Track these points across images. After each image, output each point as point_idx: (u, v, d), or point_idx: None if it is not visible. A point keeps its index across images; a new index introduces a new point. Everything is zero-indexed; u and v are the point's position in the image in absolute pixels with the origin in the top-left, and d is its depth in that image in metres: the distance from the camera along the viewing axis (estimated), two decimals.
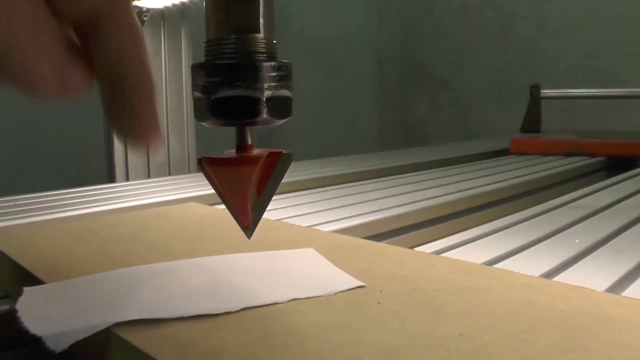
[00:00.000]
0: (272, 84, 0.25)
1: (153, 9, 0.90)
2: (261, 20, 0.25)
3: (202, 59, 0.26)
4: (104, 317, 0.23)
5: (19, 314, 0.24)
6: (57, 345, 0.21)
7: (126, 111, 0.23)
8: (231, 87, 0.24)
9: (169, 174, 0.95)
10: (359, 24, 2.19)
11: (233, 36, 0.25)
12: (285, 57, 0.25)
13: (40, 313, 0.24)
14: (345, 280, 0.28)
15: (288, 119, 0.26)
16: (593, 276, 0.34)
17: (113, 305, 0.25)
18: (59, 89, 0.20)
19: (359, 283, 0.28)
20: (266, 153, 0.26)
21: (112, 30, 0.21)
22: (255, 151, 0.26)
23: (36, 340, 0.24)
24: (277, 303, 0.25)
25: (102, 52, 0.22)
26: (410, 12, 2.27)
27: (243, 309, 0.24)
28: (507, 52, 2.00)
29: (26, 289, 0.27)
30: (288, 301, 0.25)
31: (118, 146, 0.91)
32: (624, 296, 0.26)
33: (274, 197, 0.28)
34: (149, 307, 0.24)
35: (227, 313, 0.24)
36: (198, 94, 0.25)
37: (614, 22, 1.76)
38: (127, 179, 0.92)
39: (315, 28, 2.02)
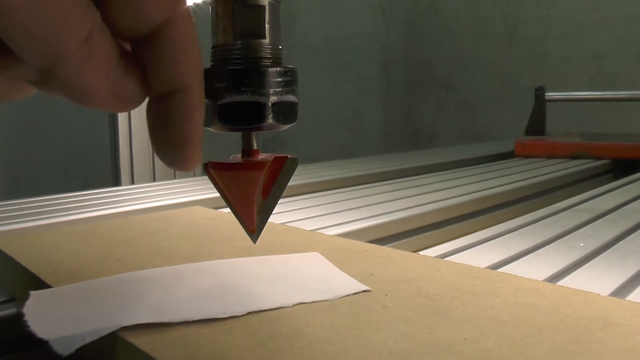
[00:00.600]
0: (278, 89, 0.25)
1: None
2: (267, 26, 0.26)
3: (207, 64, 0.26)
4: (110, 320, 0.23)
5: (26, 317, 0.24)
6: (64, 349, 0.21)
7: (171, 130, 0.22)
8: (237, 92, 0.24)
9: (175, 178, 0.96)
10: (364, 26, 2.19)
11: (239, 42, 0.25)
12: (290, 58, 0.25)
13: (47, 317, 0.25)
14: (350, 285, 0.28)
15: (294, 124, 0.26)
16: (598, 280, 0.34)
17: (120, 309, 0.25)
18: (112, 101, 0.20)
19: (364, 287, 0.28)
20: (272, 158, 0.26)
21: (169, 44, 0.21)
22: (261, 156, 0.27)
23: (42, 344, 0.24)
24: (283, 307, 0.25)
25: (158, 66, 0.22)
26: (416, 14, 2.27)
27: (249, 313, 0.25)
28: (512, 54, 2.00)
29: (32, 293, 0.27)
30: (294, 305, 0.26)
31: (124, 149, 0.92)
32: (629, 300, 0.26)
33: (279, 201, 0.28)
34: (155, 310, 0.24)
35: (233, 317, 0.24)
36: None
37: (620, 23, 1.76)
38: (133, 182, 0.92)
39: (320, 30, 2.03)
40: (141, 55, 0.21)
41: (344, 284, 0.28)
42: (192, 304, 0.25)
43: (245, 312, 0.25)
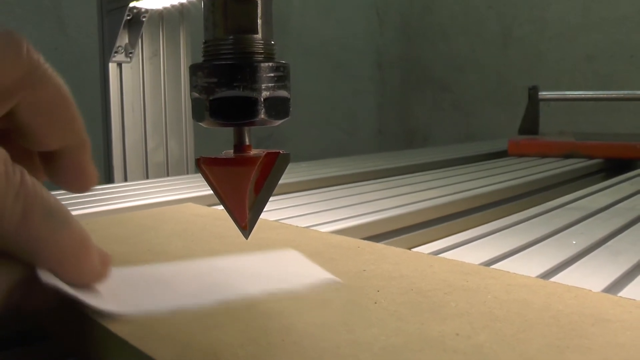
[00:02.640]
0: (270, 84, 0.25)
1: (152, 9, 0.90)
2: (259, 21, 0.25)
3: (200, 60, 0.26)
4: (89, 299, 0.23)
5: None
6: (48, 280, 0.22)
7: (64, 181, 0.26)
8: (229, 87, 0.24)
9: (167, 175, 0.95)
10: (359, 26, 2.19)
11: (231, 37, 0.25)
12: (285, 58, 0.25)
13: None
14: (319, 274, 0.28)
15: (286, 119, 0.26)
16: (590, 277, 0.34)
17: (95, 296, 0.25)
18: None
19: (334, 278, 0.28)
20: (264, 153, 0.26)
21: (26, 112, 0.23)
22: (253, 151, 0.27)
23: (40, 340, 0.24)
24: (249, 295, 0.26)
25: (26, 132, 0.24)
26: (411, 14, 2.28)
27: (241, 308, 0.25)
28: (507, 54, 2.01)
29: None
30: (261, 294, 0.26)
31: (116, 147, 0.91)
32: (620, 296, 0.26)
33: (273, 198, 0.28)
34: (124, 302, 0.25)
35: (225, 313, 0.24)
36: (196, 95, 0.25)
37: (613, 25, 1.76)
38: (126, 180, 0.92)
39: (315, 30, 2.03)
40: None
41: (312, 273, 0.28)
42: (164, 296, 0.26)
43: (212, 301, 0.25)
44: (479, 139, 1.91)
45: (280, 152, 0.27)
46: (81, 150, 0.26)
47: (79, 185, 0.27)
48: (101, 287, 0.27)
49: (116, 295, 0.25)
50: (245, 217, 0.27)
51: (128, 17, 0.87)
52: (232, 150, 0.27)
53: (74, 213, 0.55)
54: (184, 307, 0.24)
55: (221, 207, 0.27)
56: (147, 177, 0.94)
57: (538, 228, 0.46)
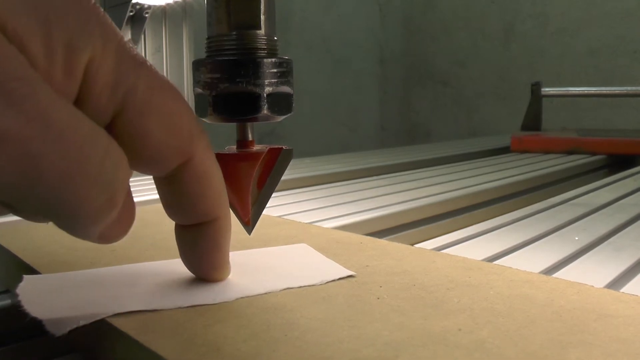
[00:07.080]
0: (273, 80, 0.25)
1: (155, 5, 0.90)
2: (262, 17, 0.25)
3: (203, 55, 0.26)
4: (103, 307, 0.23)
5: (19, 297, 0.24)
6: (57, 330, 0.22)
7: (198, 257, 0.24)
8: (232, 83, 0.24)
9: None
10: (361, 21, 2.19)
11: (234, 32, 0.25)
12: (287, 54, 0.25)
13: (40, 298, 0.25)
14: (335, 270, 0.28)
15: (289, 115, 0.26)
16: (592, 273, 0.34)
17: (112, 297, 0.25)
18: (98, 239, 0.21)
19: (349, 272, 0.28)
20: (267, 149, 0.26)
21: (190, 183, 0.22)
22: (256, 147, 0.27)
23: (37, 336, 0.24)
24: (270, 292, 0.26)
25: (181, 202, 0.22)
26: (413, 10, 2.27)
27: (243, 304, 0.25)
28: (509, 50, 2.00)
29: (26, 277, 0.27)
30: (281, 290, 0.26)
31: None
32: (623, 292, 0.26)
33: (275, 194, 0.28)
34: (147, 299, 0.24)
35: (227, 308, 0.24)
36: (199, 90, 0.25)
37: (616, 20, 1.76)
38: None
39: (317, 25, 2.02)
40: (163, 189, 0.22)
41: (329, 269, 0.29)
42: (183, 292, 0.25)
43: (234, 298, 0.25)
44: (481, 134, 1.91)
45: (284, 147, 0.27)
46: (224, 225, 0.24)
47: (211, 266, 0.25)
48: (117, 280, 0.27)
49: (132, 290, 0.26)
50: (248, 212, 0.27)
51: (131, 13, 0.87)
52: (234, 146, 0.27)
53: None
54: (203, 303, 0.24)
55: None
56: None
57: (540, 224, 0.46)
